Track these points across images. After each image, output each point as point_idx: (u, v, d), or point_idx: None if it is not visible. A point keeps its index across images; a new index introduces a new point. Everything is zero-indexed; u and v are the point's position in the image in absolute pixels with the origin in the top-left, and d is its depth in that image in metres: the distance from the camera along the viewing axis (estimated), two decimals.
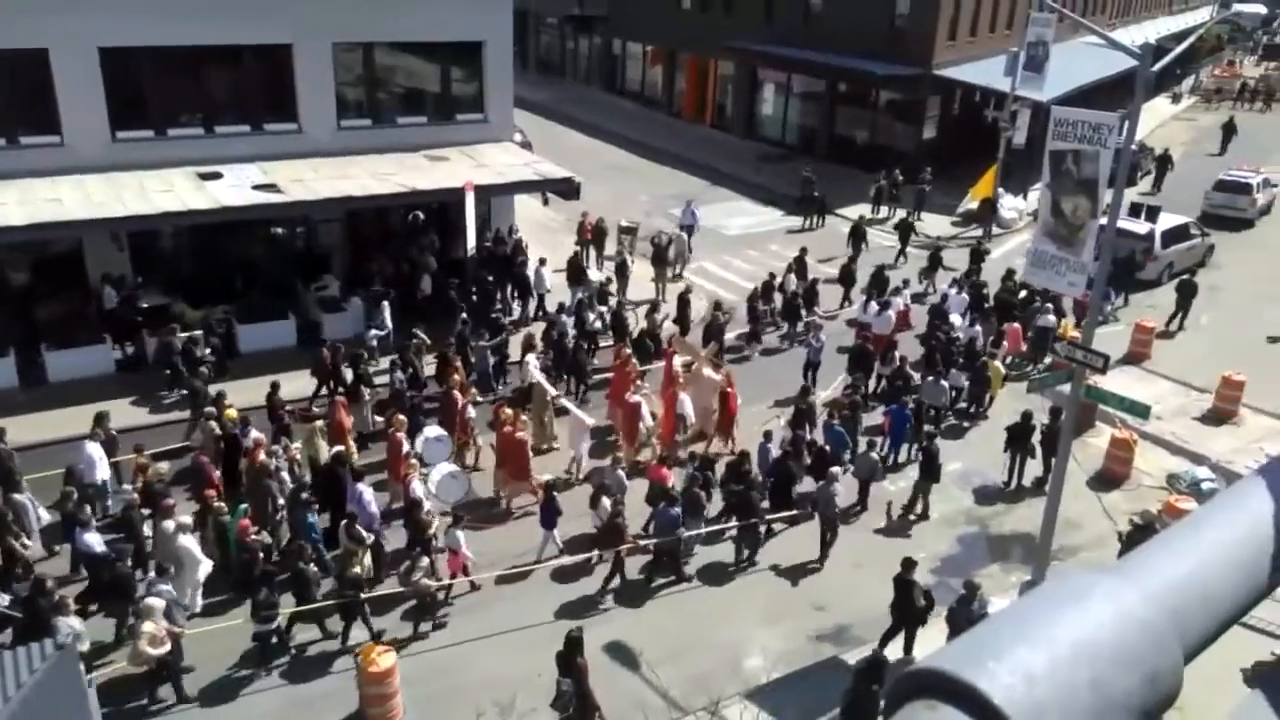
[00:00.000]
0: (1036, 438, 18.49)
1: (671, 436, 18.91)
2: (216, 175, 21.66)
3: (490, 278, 23.84)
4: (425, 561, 14.39)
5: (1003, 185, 33.08)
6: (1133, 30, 54.46)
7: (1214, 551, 1.52)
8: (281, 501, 15.61)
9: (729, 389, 19.04)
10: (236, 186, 21.30)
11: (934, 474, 17.70)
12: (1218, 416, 21.50)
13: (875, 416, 20.11)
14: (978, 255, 27.90)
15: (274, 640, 13.73)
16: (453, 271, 23.77)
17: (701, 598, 15.66)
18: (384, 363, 20.54)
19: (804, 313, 24.32)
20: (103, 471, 16.14)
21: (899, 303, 24.04)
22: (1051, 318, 23.48)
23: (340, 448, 16.83)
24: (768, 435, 17.92)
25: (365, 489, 15.57)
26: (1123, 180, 13.96)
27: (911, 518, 17.93)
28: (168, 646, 12.66)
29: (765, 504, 16.65)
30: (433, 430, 17.63)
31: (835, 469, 16.72)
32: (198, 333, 20.58)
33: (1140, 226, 29.05)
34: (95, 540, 14.28)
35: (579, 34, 54.98)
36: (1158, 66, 14.35)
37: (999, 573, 16.49)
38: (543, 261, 24.72)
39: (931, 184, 33.23)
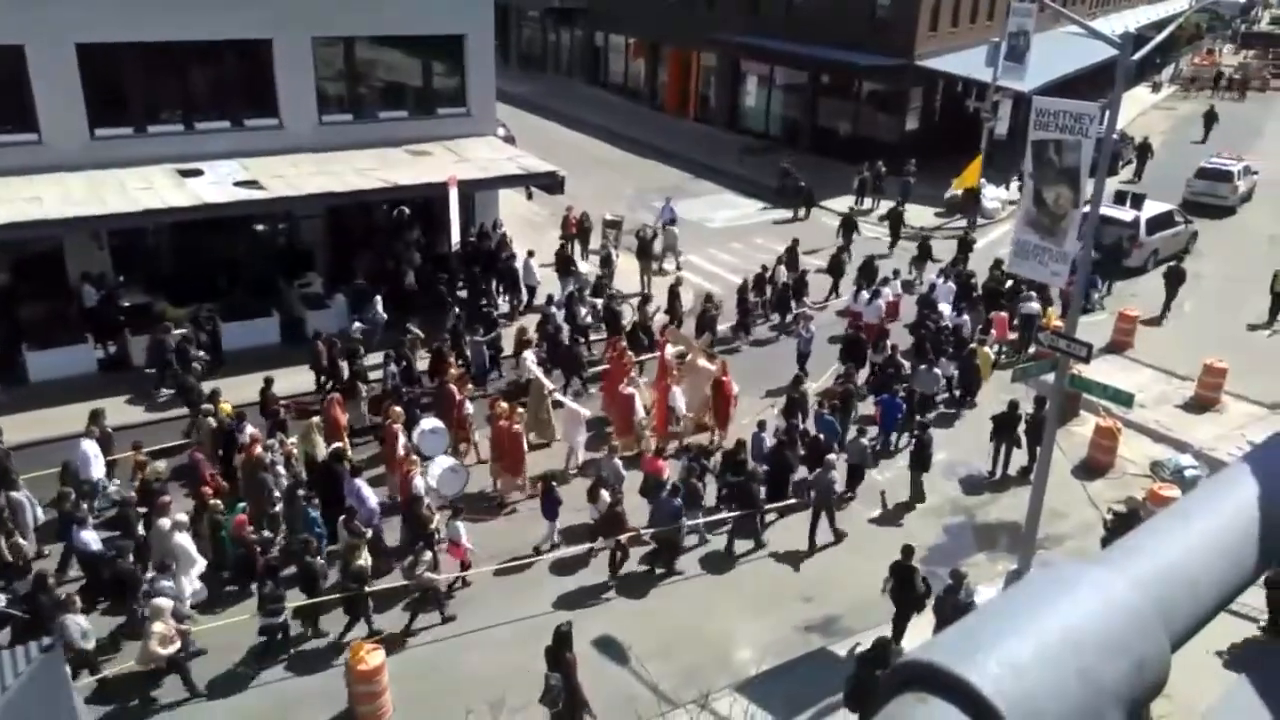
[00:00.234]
0: (1022, 427, 18.59)
1: (664, 428, 18.93)
2: (197, 172, 21.50)
3: (479, 270, 23.82)
4: (428, 555, 14.43)
5: (985, 175, 33.18)
6: (1113, 19, 54.71)
7: (1199, 540, 1.53)
8: (277, 495, 15.61)
9: (724, 378, 19.13)
10: (218, 183, 21.15)
11: (924, 463, 17.81)
12: (1200, 404, 21.65)
13: (867, 406, 20.26)
14: (964, 245, 28.07)
15: (279, 636, 13.78)
16: (437, 267, 23.72)
17: (690, 590, 15.68)
18: (372, 358, 20.42)
19: (794, 304, 24.43)
20: (98, 469, 16.15)
21: (888, 292, 24.25)
22: (1035, 305, 23.64)
23: (339, 444, 16.86)
24: (761, 425, 18.01)
25: (362, 484, 15.60)
26: (1104, 169, 14.01)
27: (902, 504, 18.03)
28: (177, 645, 12.76)
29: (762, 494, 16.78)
30: (429, 423, 17.67)
31: (831, 456, 16.89)
32: (190, 331, 20.46)
33: (1125, 214, 29.32)
34: (92, 538, 14.30)
35: (560, 27, 54.83)
36: (1138, 55, 14.41)
37: (985, 562, 16.59)
38: (531, 254, 24.72)
39: (916, 175, 33.31)
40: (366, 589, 14.06)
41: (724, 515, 16.73)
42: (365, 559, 14.15)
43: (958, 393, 21.37)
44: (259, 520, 15.25)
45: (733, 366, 20.19)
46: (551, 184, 25.01)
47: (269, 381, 18.37)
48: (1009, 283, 24.91)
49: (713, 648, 14.25)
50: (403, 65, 25.75)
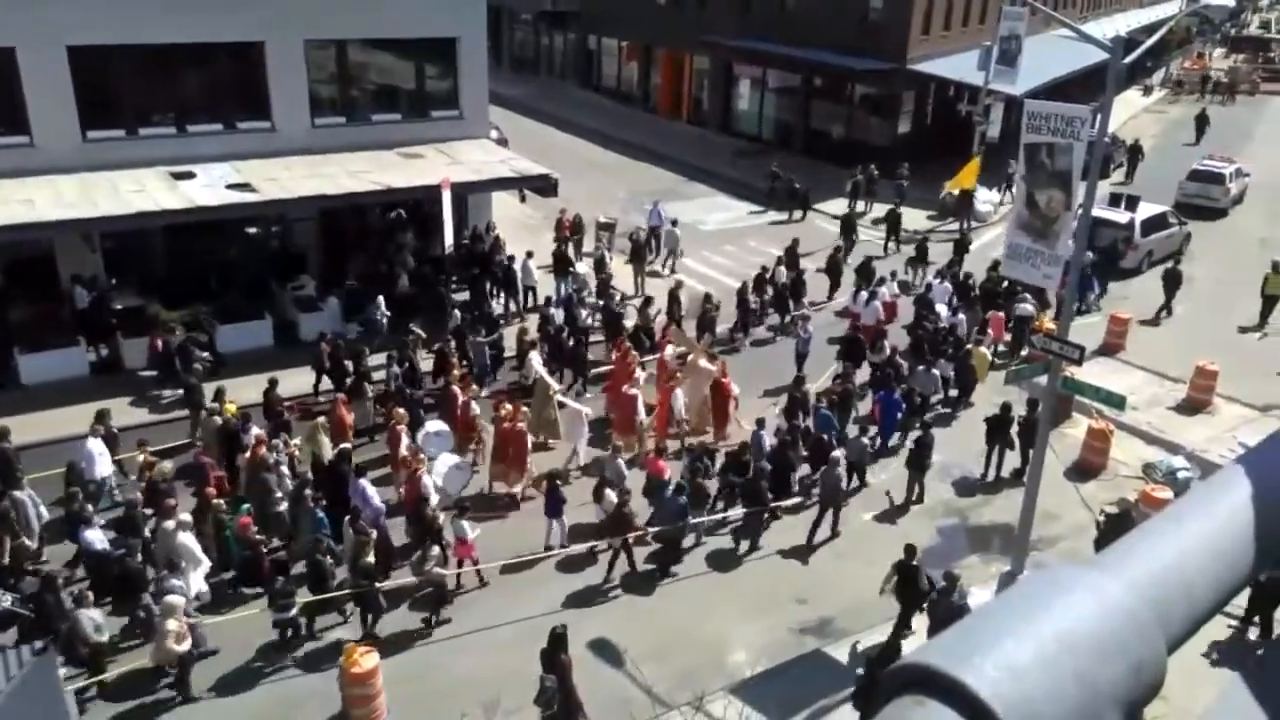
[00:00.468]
0: (1014, 429, 18.64)
1: (665, 429, 19.00)
2: (189, 175, 21.45)
3: (478, 272, 23.97)
4: (436, 551, 14.49)
5: (977, 179, 33.24)
6: (1104, 23, 54.92)
7: (1195, 542, 1.54)
8: (279, 495, 15.64)
9: (723, 379, 19.21)
10: (210, 186, 21.11)
11: (923, 464, 17.90)
12: (1192, 406, 21.73)
13: (865, 405, 20.41)
14: (961, 246, 28.35)
15: (290, 632, 13.85)
16: (432, 269, 23.72)
17: (685, 592, 15.69)
18: (375, 359, 20.42)
19: (792, 304, 24.55)
20: (103, 468, 16.20)
21: (885, 293, 24.41)
22: (1029, 307, 23.77)
23: (345, 445, 16.95)
24: (760, 423, 18.10)
25: (367, 484, 15.66)
26: (1095, 172, 14.06)
27: (898, 505, 18.13)
28: (190, 642, 12.84)
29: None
30: (434, 425, 17.76)
31: (837, 453, 17.01)
32: (190, 332, 20.51)
33: (1121, 216, 29.51)
34: (96, 537, 14.36)
35: (553, 30, 54.83)
36: (1128, 59, 14.48)
37: (979, 564, 16.61)
38: (530, 255, 24.82)
39: (909, 179, 33.38)
40: (376, 586, 14.16)
41: (730, 514, 16.92)
42: (367, 559, 14.15)
43: (953, 393, 21.47)
44: (261, 521, 15.29)
45: (732, 367, 20.33)
46: (545, 186, 25.01)
47: (273, 383, 18.43)
48: (1005, 283, 25.02)
49: (708, 650, 14.25)
50: (395, 68, 25.73)
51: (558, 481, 16.21)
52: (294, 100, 23.23)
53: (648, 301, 23.20)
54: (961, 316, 23.40)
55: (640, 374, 19.78)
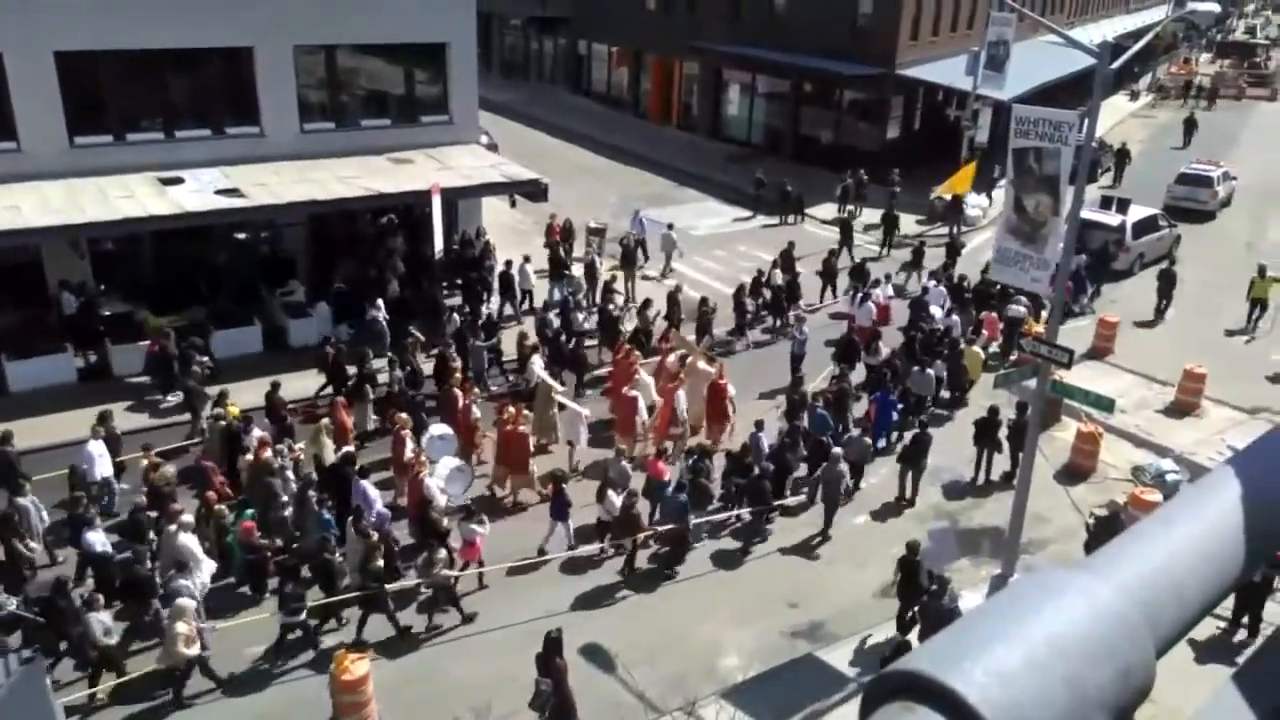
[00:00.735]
0: (1003, 433, 18.70)
1: (666, 431, 19.07)
2: (178, 180, 21.36)
3: (475, 275, 23.99)
4: (442, 553, 14.48)
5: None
6: (1091, 29, 55.18)
7: (1184, 545, 1.53)
8: (285, 499, 15.62)
9: (720, 381, 19.32)
10: (199, 191, 21.02)
11: (919, 461, 18.00)
12: (1180, 409, 21.81)
13: (860, 407, 20.52)
14: (953, 249, 28.58)
15: (298, 633, 13.82)
16: (423, 274, 23.68)
17: (677, 596, 15.66)
18: (377, 362, 20.41)
19: (788, 307, 24.73)
20: (103, 469, 16.19)
21: (879, 295, 24.54)
22: (1021, 308, 23.90)
23: (349, 448, 16.99)
24: (759, 425, 18.17)
25: (369, 487, 15.65)
26: (1083, 177, 14.10)
27: (889, 505, 18.17)
28: (199, 645, 12.82)
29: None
30: (437, 429, 17.78)
31: (837, 450, 17.13)
32: (191, 336, 20.48)
33: (1112, 218, 29.74)
34: (98, 539, 14.34)
35: (543, 35, 54.85)
36: (1116, 64, 14.51)
37: (969, 566, 16.64)
38: (527, 259, 24.89)
39: (901, 185, 33.46)
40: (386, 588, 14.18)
41: (735, 513, 17.08)
42: (377, 562, 14.15)
43: (947, 394, 21.59)
44: (264, 525, 15.25)
45: (729, 369, 20.43)
46: (535, 191, 25.02)
47: (275, 385, 18.45)
48: (999, 285, 25.15)
49: (699, 654, 14.23)
50: (385, 73, 25.69)
51: (563, 484, 16.21)
52: (283, 105, 23.16)
53: (646, 304, 23.27)
54: (956, 318, 23.60)
55: (641, 376, 19.81)
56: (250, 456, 16.37)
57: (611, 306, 23.31)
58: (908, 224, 32.85)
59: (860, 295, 24.20)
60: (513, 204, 32.10)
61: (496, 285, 24.38)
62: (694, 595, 15.70)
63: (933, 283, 25.48)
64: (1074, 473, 19.44)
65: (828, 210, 34.15)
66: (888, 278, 25.83)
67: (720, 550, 16.76)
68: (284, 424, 17.67)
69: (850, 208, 33.76)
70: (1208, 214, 35.55)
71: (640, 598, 15.58)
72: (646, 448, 18.84)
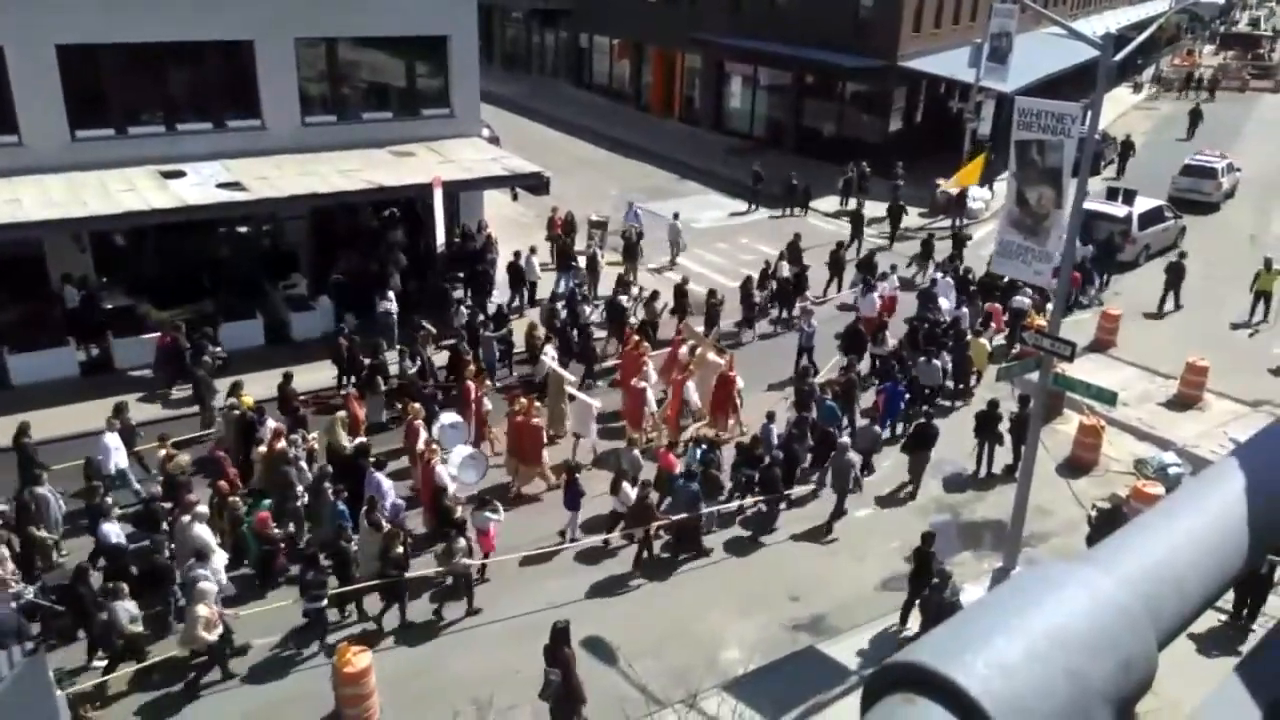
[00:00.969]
0: (1005, 425, 18.71)
1: (676, 422, 19.03)
2: (179, 173, 21.35)
3: (479, 268, 24.03)
4: (462, 542, 14.52)
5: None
6: (1094, 20, 55.06)
7: (1187, 538, 1.53)
8: (300, 489, 15.68)
9: (730, 373, 19.39)
10: (200, 185, 21.01)
11: (926, 446, 18.04)
12: (1182, 402, 21.79)
13: (868, 398, 20.50)
14: (959, 241, 28.66)
15: (317, 616, 13.86)
16: (426, 266, 23.70)
17: (679, 588, 15.69)
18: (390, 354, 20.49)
19: (796, 298, 24.78)
20: (119, 460, 16.25)
21: (885, 286, 24.59)
22: (1025, 300, 23.90)
23: (363, 439, 17.07)
24: (770, 416, 18.24)
25: (383, 478, 15.69)
26: (1086, 169, 14.06)
27: (894, 498, 18.20)
28: (220, 629, 12.86)
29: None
30: (448, 417, 17.87)
31: (845, 439, 17.21)
32: (201, 328, 20.54)
33: (1118, 209, 29.77)
34: (113, 530, 14.38)
35: (544, 28, 54.75)
36: (1119, 56, 14.49)
37: (971, 560, 16.65)
38: (534, 250, 24.99)
39: (904, 179, 33.39)
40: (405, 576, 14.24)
41: (747, 502, 17.12)
42: (398, 550, 14.21)
43: (951, 384, 21.59)
44: (279, 515, 15.29)
45: (738, 361, 20.48)
46: (536, 185, 24.99)
47: (288, 377, 18.47)
48: (1005, 277, 25.15)
49: (701, 647, 14.24)
50: (386, 66, 25.65)
51: (575, 474, 16.26)
52: (284, 99, 23.14)
53: (654, 295, 23.30)
54: (964, 310, 23.67)
55: (649, 367, 19.85)
56: (264, 448, 16.44)
57: (623, 298, 23.35)
58: (910, 217, 32.80)
59: (864, 286, 24.25)
60: (514, 197, 32.07)
61: (506, 277, 24.45)
62: (697, 586, 15.72)
63: (940, 275, 25.56)
64: (1076, 466, 19.43)
65: (830, 203, 34.09)
66: (894, 269, 25.84)
67: (729, 540, 16.81)
68: (296, 415, 17.71)
69: (849, 202, 33.71)
70: (1212, 206, 35.50)
71: (649, 588, 15.64)
72: (660, 440, 18.86)
